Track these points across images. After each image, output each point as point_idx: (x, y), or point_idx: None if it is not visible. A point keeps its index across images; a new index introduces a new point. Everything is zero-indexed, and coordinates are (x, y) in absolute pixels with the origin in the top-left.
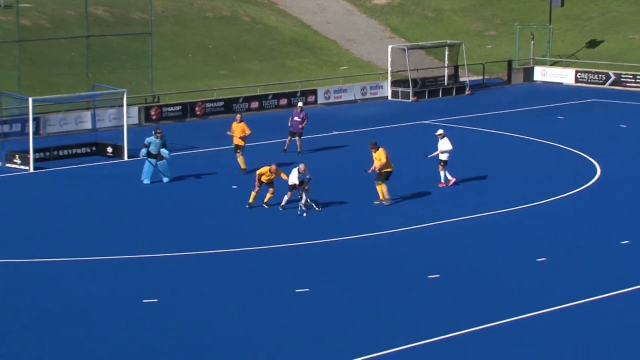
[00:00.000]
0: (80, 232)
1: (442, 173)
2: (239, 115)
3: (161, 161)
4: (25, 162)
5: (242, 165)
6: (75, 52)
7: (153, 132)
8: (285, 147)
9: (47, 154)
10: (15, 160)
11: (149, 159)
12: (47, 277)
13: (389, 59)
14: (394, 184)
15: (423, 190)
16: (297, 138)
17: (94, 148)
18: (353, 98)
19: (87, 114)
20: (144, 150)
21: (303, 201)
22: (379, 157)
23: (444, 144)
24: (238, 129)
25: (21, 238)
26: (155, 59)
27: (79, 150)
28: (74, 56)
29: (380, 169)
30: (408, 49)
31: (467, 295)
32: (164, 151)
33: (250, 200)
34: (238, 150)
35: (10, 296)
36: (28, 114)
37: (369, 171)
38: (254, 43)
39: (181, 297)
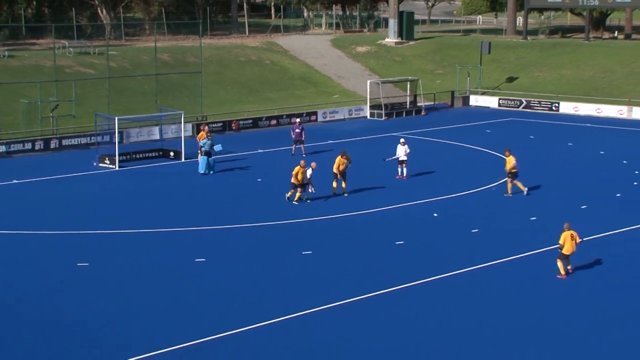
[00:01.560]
0: (151, 212)
1: (399, 169)
2: (206, 127)
3: (204, 157)
4: (112, 162)
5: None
6: (147, 85)
7: (206, 136)
8: (293, 152)
9: (128, 157)
10: (105, 161)
11: (203, 156)
12: (132, 244)
13: (368, 90)
14: (357, 180)
15: (380, 184)
16: (301, 145)
17: (160, 152)
18: (343, 117)
19: (156, 129)
20: (213, 147)
21: (307, 193)
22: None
23: (404, 149)
24: (202, 137)
25: (110, 216)
26: (203, 90)
27: (150, 154)
28: (147, 88)
29: (343, 169)
30: (381, 82)
31: (337, 272)
32: (217, 146)
33: (288, 195)
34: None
35: (116, 255)
36: (115, 129)
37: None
38: (273, 79)
39: (220, 258)
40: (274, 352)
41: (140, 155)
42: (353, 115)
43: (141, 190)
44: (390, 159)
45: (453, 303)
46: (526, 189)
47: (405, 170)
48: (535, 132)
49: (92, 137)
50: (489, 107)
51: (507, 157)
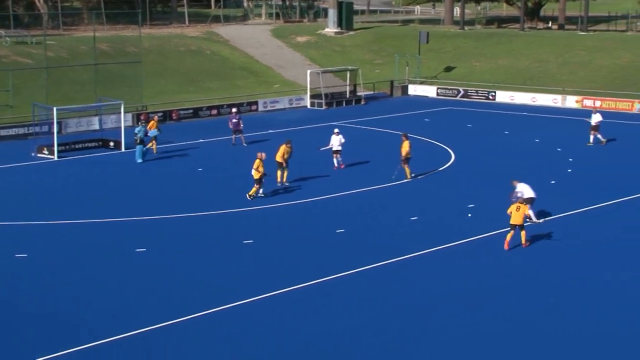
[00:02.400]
0: (92, 202)
1: (334, 160)
2: (156, 117)
3: (138, 145)
4: (51, 152)
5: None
6: (86, 75)
7: (139, 123)
8: (233, 142)
9: (67, 147)
10: (44, 152)
11: (137, 144)
12: (72, 234)
13: (308, 80)
14: (297, 169)
15: (320, 173)
16: (240, 135)
17: (100, 143)
18: (283, 107)
19: (95, 119)
20: (142, 133)
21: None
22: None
23: (339, 139)
24: (153, 126)
25: (49, 207)
26: (143, 80)
27: (89, 144)
28: (86, 78)
29: (287, 158)
30: (321, 72)
31: (276, 261)
32: (152, 131)
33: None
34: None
35: (42, 251)
36: (53, 119)
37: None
38: (214, 69)
39: (161, 249)
40: (208, 342)
41: (80, 146)
42: (293, 105)
43: (81, 181)
44: (324, 148)
45: (389, 290)
46: (412, 176)
47: (340, 159)
48: (472, 120)
49: (30, 128)
50: (427, 96)
51: (403, 141)
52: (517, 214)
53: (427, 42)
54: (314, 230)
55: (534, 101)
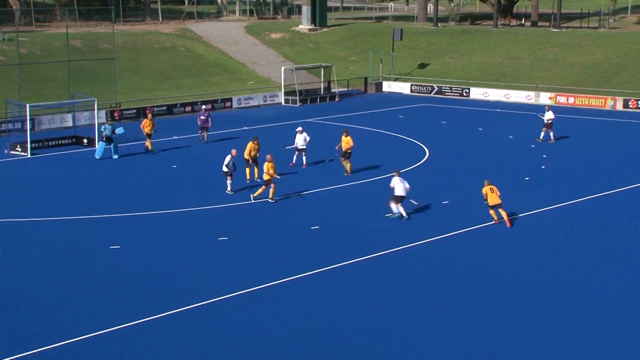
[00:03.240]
0: (65, 199)
1: (295, 157)
2: (150, 115)
3: (112, 144)
4: (24, 149)
5: (150, 147)
6: (59, 72)
7: (105, 121)
8: (200, 139)
9: (40, 144)
10: (17, 149)
11: (102, 141)
12: (45, 231)
13: (282, 76)
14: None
15: (292, 170)
16: (204, 132)
17: (74, 139)
18: (257, 104)
19: (69, 116)
20: (110, 130)
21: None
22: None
23: (303, 137)
24: (149, 125)
25: (22, 203)
26: (117, 77)
27: (63, 141)
28: (59, 75)
29: (254, 155)
30: (295, 69)
31: (251, 257)
32: (119, 129)
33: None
34: (150, 137)
35: (12, 247)
36: (26, 116)
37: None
38: (188, 65)
39: (136, 246)
40: (181, 341)
41: (53, 143)
42: (268, 102)
43: (54, 178)
44: (289, 147)
45: (368, 286)
46: (349, 173)
47: (304, 158)
48: (447, 117)
49: (3, 125)
50: (401, 93)
51: (344, 137)
52: (492, 195)
53: (401, 38)
54: (288, 227)
55: (507, 98)
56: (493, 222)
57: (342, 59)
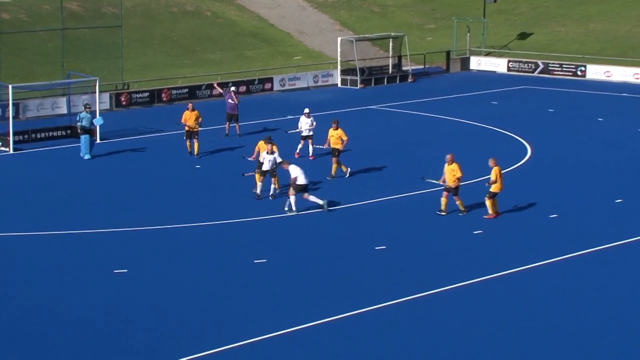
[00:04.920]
0: (55, 208)
1: (310, 147)
2: (190, 104)
3: (84, 135)
4: (5, 144)
5: (197, 151)
6: (51, 43)
7: (83, 108)
8: (227, 132)
9: (26, 136)
10: None
11: (84, 135)
12: (30, 250)
13: (339, 50)
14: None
15: (376, 166)
16: (235, 122)
17: (68, 131)
18: (306, 85)
19: (63, 100)
20: (91, 121)
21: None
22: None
23: (309, 122)
24: (192, 118)
25: (2, 215)
26: (124, 50)
27: (54, 133)
28: (50, 47)
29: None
30: (356, 40)
31: (301, 287)
32: (97, 120)
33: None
34: (195, 137)
35: None
36: (8, 100)
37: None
38: (215, 35)
39: (149, 266)
40: None
41: (42, 135)
42: (320, 83)
43: (42, 180)
44: (292, 131)
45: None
46: (347, 172)
47: (311, 147)
48: (554, 104)
49: None
50: (495, 72)
51: (334, 130)
52: (502, 180)
53: (495, 0)
54: (344, 245)
55: (637, 78)
56: (486, 217)
57: (417, 27)
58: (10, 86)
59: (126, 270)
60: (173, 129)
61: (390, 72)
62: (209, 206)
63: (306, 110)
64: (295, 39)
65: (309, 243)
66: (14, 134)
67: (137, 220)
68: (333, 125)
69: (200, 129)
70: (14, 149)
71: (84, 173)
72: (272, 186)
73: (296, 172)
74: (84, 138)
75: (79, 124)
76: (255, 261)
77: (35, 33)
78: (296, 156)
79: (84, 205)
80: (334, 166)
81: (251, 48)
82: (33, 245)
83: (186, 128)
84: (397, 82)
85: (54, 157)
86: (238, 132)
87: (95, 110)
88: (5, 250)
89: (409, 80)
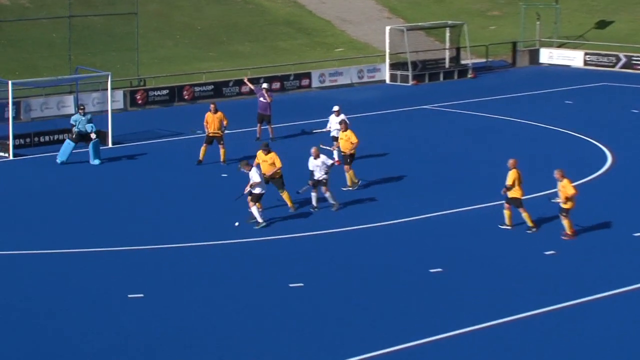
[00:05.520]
0: (59, 223)
1: (334, 152)
2: (213, 105)
3: (93, 141)
4: (4, 148)
5: (223, 157)
6: (56, 33)
7: (77, 109)
8: (258, 135)
9: (28, 140)
10: None
11: (71, 140)
12: (24, 270)
13: (387, 41)
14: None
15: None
16: (268, 124)
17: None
18: (349, 81)
19: (70, 98)
20: (88, 127)
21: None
22: (274, 160)
23: (340, 120)
24: (215, 121)
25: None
26: (141, 40)
27: (61, 137)
28: (56, 37)
29: (268, 174)
30: (407, 30)
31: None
32: (89, 125)
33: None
34: (220, 142)
35: None
36: (7, 98)
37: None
38: (245, 24)
39: (168, 291)
40: None
41: (46, 138)
42: (365, 79)
43: (45, 191)
44: (318, 130)
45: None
46: (356, 183)
47: (335, 151)
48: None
49: None
50: (569, 67)
51: (343, 132)
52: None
53: None
54: (394, 267)
55: None
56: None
57: (479, 15)
58: (10, 82)
59: (142, 295)
60: (194, 133)
61: (447, 66)
62: (233, 221)
63: (335, 108)
64: (336, 28)
65: (353, 263)
66: (14, 137)
67: (155, 237)
68: (342, 126)
69: (227, 131)
70: (14, 155)
71: (94, 182)
72: (327, 194)
73: (256, 179)
74: (68, 145)
75: (74, 129)
76: (290, 285)
77: (39, 21)
78: (337, 163)
79: (91, 220)
80: (348, 175)
81: (286, 38)
82: (36, 265)
83: (209, 133)
84: (455, 78)
85: (59, 164)
86: (271, 136)
87: (108, 111)
88: (3, 271)
89: (469, 75)
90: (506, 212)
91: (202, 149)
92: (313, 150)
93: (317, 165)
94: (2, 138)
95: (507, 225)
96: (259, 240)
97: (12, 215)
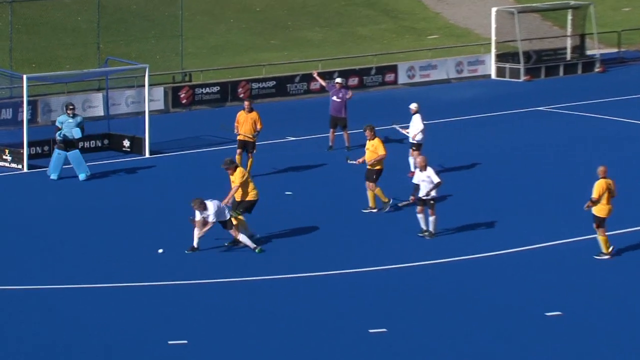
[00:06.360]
0: (84, 251)
1: (411, 159)
2: (247, 103)
3: (72, 152)
4: (17, 158)
5: (249, 167)
6: (82, 16)
7: (64, 109)
8: (331, 144)
9: (46, 148)
10: (4, 157)
11: (58, 149)
12: (48, 309)
13: (493, 26)
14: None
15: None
16: (343, 130)
17: (106, 141)
18: (445, 77)
19: (98, 97)
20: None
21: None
22: (235, 180)
23: (416, 122)
24: (247, 122)
25: (13, 259)
26: (186, 25)
27: (86, 144)
28: (81, 21)
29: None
30: (518, 12)
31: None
32: (76, 130)
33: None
34: (251, 150)
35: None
36: (21, 97)
37: None
38: (315, 4)
39: (213, 336)
40: None
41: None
42: (465, 74)
43: (65, 211)
44: (398, 126)
45: None
46: (389, 202)
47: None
48: None
49: None
50: None
51: (370, 140)
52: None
53: None
54: (499, 309)
55: None
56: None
57: None
58: (24, 77)
59: (186, 342)
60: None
61: (568, 57)
62: (303, 249)
63: (413, 106)
64: (430, 10)
65: (444, 304)
66: (29, 144)
67: (206, 268)
68: (368, 133)
69: (291, 138)
70: (29, 166)
71: (122, 201)
72: (430, 218)
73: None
74: (58, 156)
75: (57, 135)
76: (370, 330)
77: (61, 1)
78: (409, 175)
79: (120, 248)
80: (372, 193)
81: (366, 23)
82: (51, 302)
83: (239, 137)
84: (579, 72)
85: (86, 179)
86: (347, 144)
87: (144, 112)
88: (16, 308)
89: (596, 69)
90: (600, 238)
91: (238, 158)
92: (419, 160)
93: (423, 180)
94: (14, 146)
95: (605, 254)
96: (314, 275)
97: (23, 243)
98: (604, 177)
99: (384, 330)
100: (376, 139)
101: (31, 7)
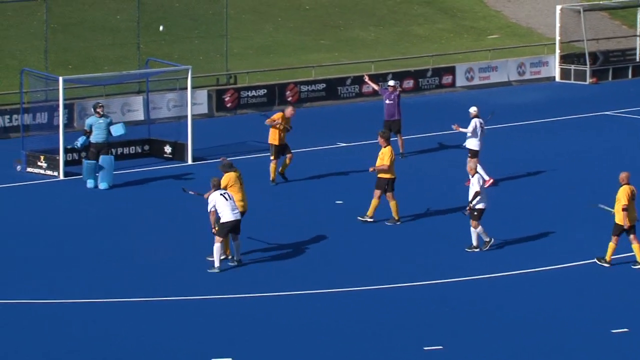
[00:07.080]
0: (126, 263)
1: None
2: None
3: (104, 157)
4: (52, 165)
5: (272, 175)
6: (122, 15)
7: (93, 109)
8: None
9: (83, 154)
10: (39, 163)
11: (86, 159)
12: (86, 322)
13: (558, 25)
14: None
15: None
16: (397, 135)
17: (146, 147)
18: (506, 79)
19: (138, 100)
20: (81, 139)
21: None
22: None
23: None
24: (286, 122)
25: (45, 271)
26: (231, 24)
27: (125, 150)
28: (120, 21)
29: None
30: (584, 10)
31: None
32: (116, 127)
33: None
34: (287, 152)
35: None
36: (57, 100)
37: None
38: (368, 3)
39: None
40: None
41: (107, 152)
42: (527, 76)
43: (107, 221)
44: (457, 125)
45: None
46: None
47: (483, 172)
48: None
49: (15, 116)
50: None
51: (384, 146)
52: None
53: None
54: (570, 325)
55: None
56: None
57: None
58: (60, 79)
59: (231, 359)
60: (302, 144)
61: (637, 59)
62: (356, 262)
63: (473, 109)
64: (490, 9)
65: (501, 317)
66: (66, 151)
67: (253, 283)
68: (381, 139)
69: (342, 144)
70: (65, 174)
71: (167, 211)
72: (472, 229)
73: (223, 206)
74: (88, 165)
75: (77, 142)
76: (425, 348)
77: (99, 1)
78: (467, 184)
79: (159, 260)
80: (375, 201)
81: (422, 22)
82: (90, 316)
83: (278, 132)
84: None
85: (124, 187)
86: (401, 150)
87: (187, 116)
88: (57, 324)
89: None
90: (635, 246)
91: (272, 166)
92: (470, 165)
93: (471, 186)
94: (50, 152)
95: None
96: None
97: (62, 253)
98: (626, 184)
99: (440, 347)
100: (387, 148)
101: (68, 5)
